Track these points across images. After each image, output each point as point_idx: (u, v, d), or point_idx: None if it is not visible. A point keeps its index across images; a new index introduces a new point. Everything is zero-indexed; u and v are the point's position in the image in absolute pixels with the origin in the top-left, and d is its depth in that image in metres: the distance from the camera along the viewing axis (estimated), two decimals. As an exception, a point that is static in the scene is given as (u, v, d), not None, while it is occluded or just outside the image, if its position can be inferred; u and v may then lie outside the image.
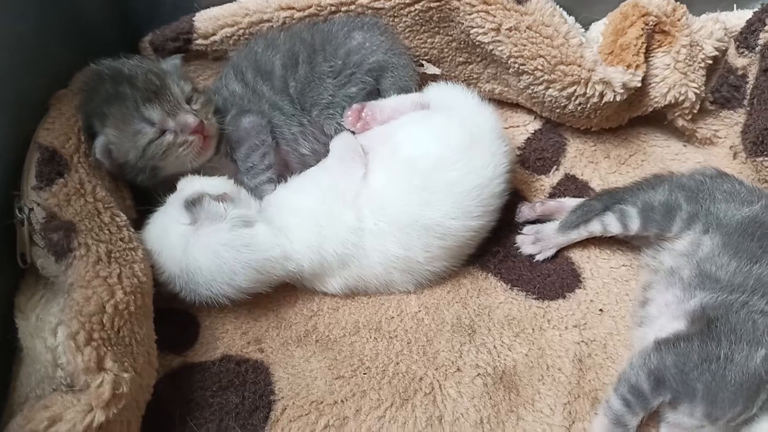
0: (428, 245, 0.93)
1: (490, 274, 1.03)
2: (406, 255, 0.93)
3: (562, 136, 1.21)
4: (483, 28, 1.07)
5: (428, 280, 0.98)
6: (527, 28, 1.06)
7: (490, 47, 1.09)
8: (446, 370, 0.91)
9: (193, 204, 0.88)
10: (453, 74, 1.20)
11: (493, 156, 0.97)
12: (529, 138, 1.21)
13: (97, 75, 0.96)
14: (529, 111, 1.24)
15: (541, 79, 1.09)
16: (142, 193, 1.01)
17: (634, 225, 0.96)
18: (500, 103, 1.25)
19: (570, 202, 1.05)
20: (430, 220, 0.92)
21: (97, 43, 1.10)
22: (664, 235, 0.95)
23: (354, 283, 0.96)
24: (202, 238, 0.87)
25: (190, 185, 0.93)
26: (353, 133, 1.02)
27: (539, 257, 1.03)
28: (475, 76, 1.20)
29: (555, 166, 1.17)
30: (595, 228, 1.00)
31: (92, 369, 0.71)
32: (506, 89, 1.20)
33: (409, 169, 0.94)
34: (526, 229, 1.05)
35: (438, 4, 1.08)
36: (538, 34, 1.06)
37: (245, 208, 0.92)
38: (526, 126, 1.23)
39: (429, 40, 1.15)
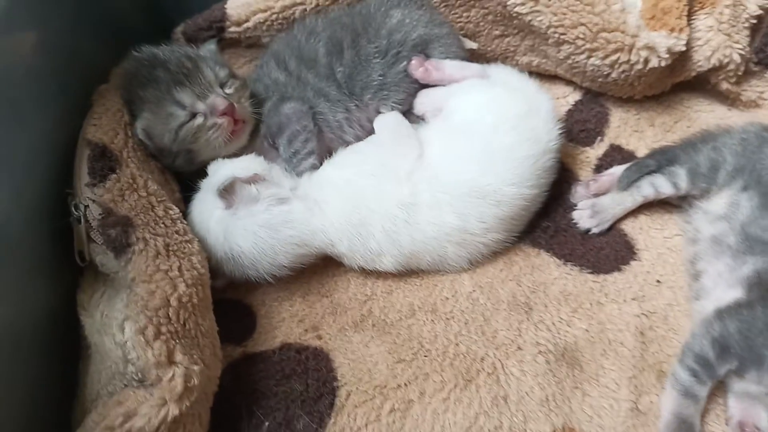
0: (483, 214, 0.92)
1: (542, 251, 1.02)
2: (461, 225, 0.91)
3: (603, 105, 1.19)
4: (522, -2, 1.04)
5: (482, 255, 0.97)
6: (567, -5, 1.03)
7: (528, 18, 1.06)
8: (507, 349, 0.90)
9: (226, 190, 0.88)
10: (489, 48, 1.17)
11: (547, 132, 0.98)
12: (570, 110, 1.19)
13: (135, 61, 0.97)
14: (568, 82, 1.21)
15: (583, 48, 1.06)
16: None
17: (683, 183, 0.97)
18: (538, 75, 1.22)
19: (621, 171, 1.03)
20: (487, 187, 0.91)
21: (130, 36, 1.08)
22: (710, 189, 0.96)
23: (406, 259, 0.94)
24: (239, 221, 0.88)
25: (220, 170, 0.93)
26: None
27: (596, 230, 1.01)
28: (512, 49, 1.17)
29: (599, 137, 1.15)
30: (648, 192, 1.00)
31: (163, 363, 0.71)
32: (544, 61, 1.18)
33: (466, 134, 0.95)
34: (582, 204, 1.03)
35: (474, -24, 1.06)
36: (578, 2, 1.03)
37: (277, 185, 0.92)
38: (566, 98, 1.20)
39: (464, 15, 1.12)
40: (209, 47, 1.02)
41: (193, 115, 0.92)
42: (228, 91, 0.96)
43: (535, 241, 1.02)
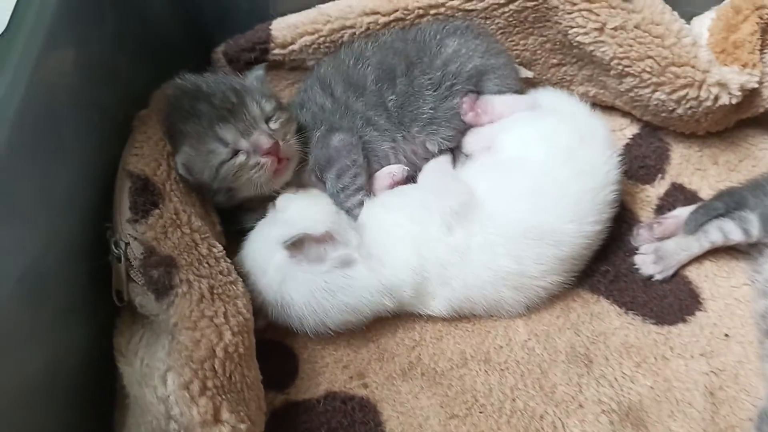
0: (541, 256, 0.86)
1: (601, 297, 0.96)
2: (518, 269, 0.86)
3: (663, 140, 1.12)
4: (584, 27, 0.98)
5: (539, 298, 0.91)
6: (635, 27, 0.97)
7: (591, 48, 1.00)
8: (567, 407, 0.84)
9: (293, 245, 0.82)
10: (545, 77, 1.12)
11: (604, 162, 0.92)
12: (628, 144, 1.12)
13: (178, 90, 0.92)
14: (625, 113, 1.15)
15: (649, 81, 1.00)
16: (228, 215, 0.96)
17: (755, 229, 0.91)
18: (593, 105, 1.15)
19: (687, 213, 0.97)
20: (543, 225, 0.85)
21: (170, 55, 1.05)
22: None
23: (459, 303, 0.89)
24: (298, 275, 0.83)
25: (291, 210, 0.88)
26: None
27: (659, 277, 0.95)
28: (568, 78, 1.11)
29: (660, 175, 1.08)
30: (716, 237, 0.94)
31: (209, 422, 0.66)
32: (602, 92, 1.12)
33: (517, 171, 0.90)
34: (644, 248, 0.97)
35: (534, 3, 1.00)
36: (647, 34, 0.97)
37: (344, 244, 0.85)
38: (623, 130, 1.14)
39: (521, 42, 1.07)
40: (257, 73, 0.96)
41: (236, 153, 0.86)
42: (273, 126, 0.89)
43: (594, 286, 0.96)
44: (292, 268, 0.83)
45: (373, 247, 0.86)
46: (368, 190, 0.95)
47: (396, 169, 0.98)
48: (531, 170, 0.90)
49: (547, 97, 1.04)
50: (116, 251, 0.76)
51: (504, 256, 0.85)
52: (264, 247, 0.86)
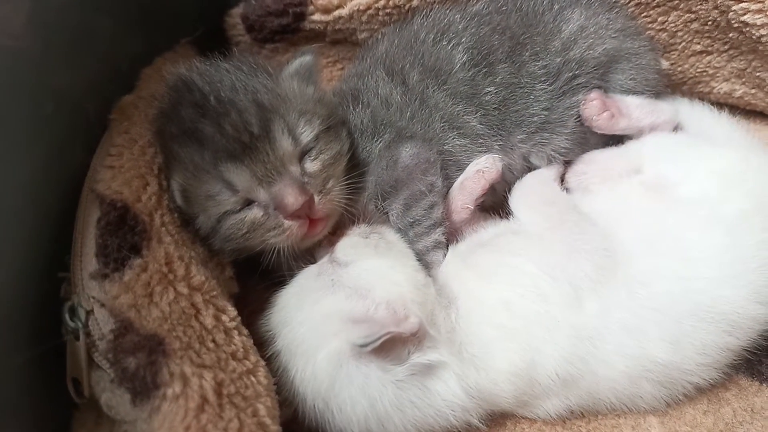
0: (708, 345, 0.60)
1: (764, 386, 0.69)
2: (670, 361, 0.59)
3: (829, 162, 0.84)
4: (761, 3, 0.70)
5: (686, 394, 0.65)
6: (836, 4, 0.68)
7: (762, 33, 0.72)
8: None
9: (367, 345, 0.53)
10: (680, 68, 0.83)
11: None
12: (784, 165, 0.84)
13: (180, 85, 0.60)
14: (771, 121, 0.87)
15: (842, 84, 0.71)
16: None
17: None
18: (732, 109, 0.87)
19: None
20: (725, 305, 0.59)
21: (167, 19, 0.77)
22: None
23: (579, 402, 0.63)
24: (359, 378, 0.54)
25: (359, 276, 0.58)
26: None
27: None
28: (710, 71, 0.83)
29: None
30: None
31: None
32: (753, 92, 0.83)
33: (699, 220, 0.62)
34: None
35: (690, -35, 0.71)
36: None
37: (433, 334, 0.57)
38: (773, 144, 0.86)
39: (660, 19, 0.79)
40: (301, 62, 0.65)
41: (248, 203, 0.58)
42: (311, 166, 0.60)
43: (753, 368, 0.71)
44: (353, 366, 0.54)
45: (464, 339, 0.58)
46: (446, 225, 0.67)
47: (487, 164, 0.67)
48: (726, 222, 0.62)
49: (691, 112, 0.77)
50: (72, 323, 0.49)
51: (656, 341, 0.58)
52: (315, 322, 0.57)
